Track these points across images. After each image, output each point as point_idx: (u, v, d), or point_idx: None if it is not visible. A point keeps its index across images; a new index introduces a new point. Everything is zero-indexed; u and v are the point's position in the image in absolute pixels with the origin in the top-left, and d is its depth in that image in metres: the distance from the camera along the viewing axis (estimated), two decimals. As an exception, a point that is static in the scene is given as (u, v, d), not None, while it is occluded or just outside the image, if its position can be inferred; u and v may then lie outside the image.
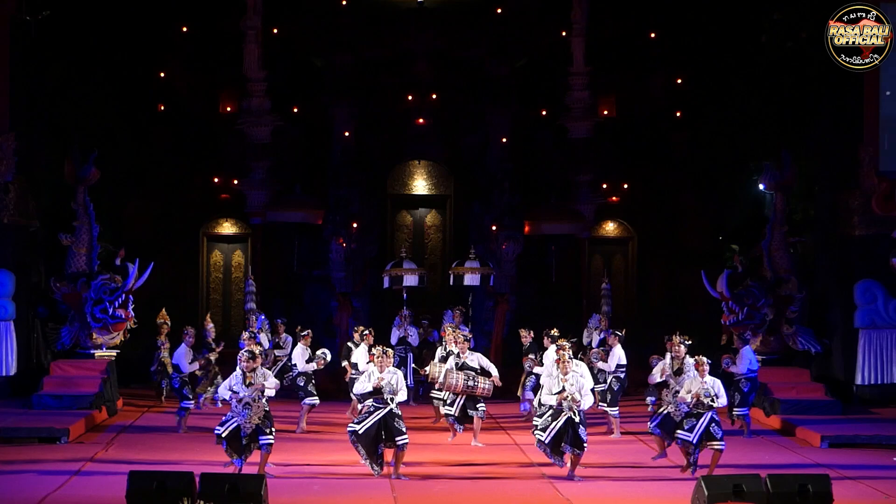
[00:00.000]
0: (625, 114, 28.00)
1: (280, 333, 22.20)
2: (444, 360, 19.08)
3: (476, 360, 18.72)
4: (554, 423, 15.87)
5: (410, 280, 21.24)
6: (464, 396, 18.44)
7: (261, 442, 15.78)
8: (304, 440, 19.39)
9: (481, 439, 18.77)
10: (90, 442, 19.03)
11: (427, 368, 19.44)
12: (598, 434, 19.16)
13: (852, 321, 23.01)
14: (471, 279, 23.83)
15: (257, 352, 16.88)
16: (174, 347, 20.52)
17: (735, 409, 20.10)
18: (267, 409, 16.08)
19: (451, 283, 24.08)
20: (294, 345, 21.57)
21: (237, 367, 16.64)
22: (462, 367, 18.49)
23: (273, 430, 16.01)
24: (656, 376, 17.68)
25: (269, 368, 20.79)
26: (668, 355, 17.85)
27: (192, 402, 20.08)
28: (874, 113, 22.82)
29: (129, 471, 13.53)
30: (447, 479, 16.03)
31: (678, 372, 17.02)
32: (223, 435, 15.83)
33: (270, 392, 16.25)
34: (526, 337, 20.89)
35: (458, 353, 18.71)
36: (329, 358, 20.44)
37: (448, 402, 18.60)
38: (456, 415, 18.42)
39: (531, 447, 17.47)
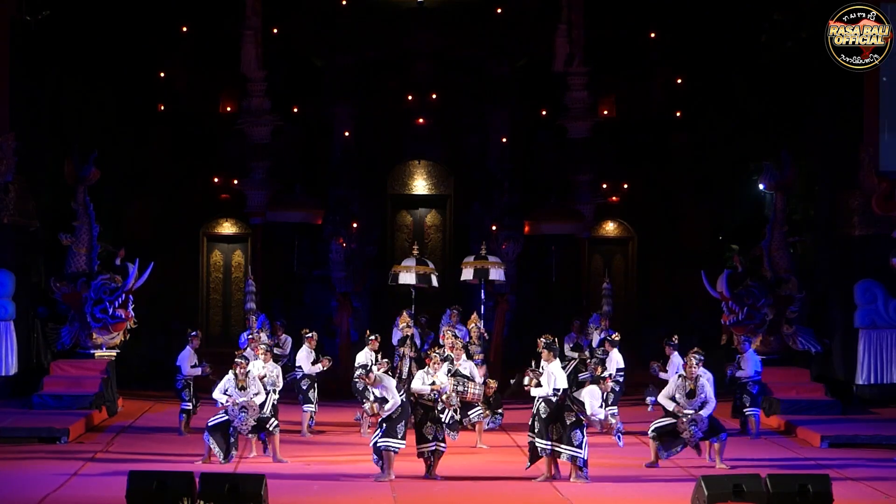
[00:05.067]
0: (625, 114, 27.99)
1: (280, 335, 22.16)
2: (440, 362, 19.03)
3: (468, 368, 18.74)
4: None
5: (436, 280, 21.22)
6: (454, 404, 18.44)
7: (269, 427, 16.96)
8: (304, 440, 19.39)
9: (484, 440, 18.86)
10: (90, 442, 19.04)
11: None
12: (598, 434, 19.15)
13: (852, 321, 23.01)
14: (496, 273, 22.96)
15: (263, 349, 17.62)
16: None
17: (745, 410, 20.09)
18: (264, 414, 16.93)
19: (473, 276, 23.14)
20: (294, 346, 21.55)
21: (230, 371, 17.18)
22: (454, 374, 18.49)
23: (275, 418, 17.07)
24: (666, 396, 17.30)
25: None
26: (674, 358, 17.85)
27: (191, 404, 20.03)
28: (874, 113, 22.81)
29: (129, 471, 13.53)
30: (447, 480, 16.03)
31: (691, 395, 16.91)
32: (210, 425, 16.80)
33: (259, 400, 17.05)
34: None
35: (452, 359, 18.68)
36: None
37: (438, 409, 18.49)
38: (447, 422, 18.37)
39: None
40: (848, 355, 23.16)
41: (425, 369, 17.08)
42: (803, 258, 24.67)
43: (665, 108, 27.66)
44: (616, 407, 19.98)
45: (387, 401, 15.85)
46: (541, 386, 16.35)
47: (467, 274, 21.05)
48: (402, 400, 16.15)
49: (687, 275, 25.97)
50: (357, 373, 19.60)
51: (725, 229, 27.72)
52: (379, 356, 19.85)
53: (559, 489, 15.36)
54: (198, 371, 20.13)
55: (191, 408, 20.03)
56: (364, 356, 19.77)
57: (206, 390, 19.18)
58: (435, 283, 21.55)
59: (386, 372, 18.90)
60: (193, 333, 20.40)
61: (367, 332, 20.29)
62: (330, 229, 26.65)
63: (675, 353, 19.92)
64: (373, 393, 16.14)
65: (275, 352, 21.08)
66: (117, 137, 26.02)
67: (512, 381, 19.80)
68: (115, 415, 21.89)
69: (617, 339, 20.49)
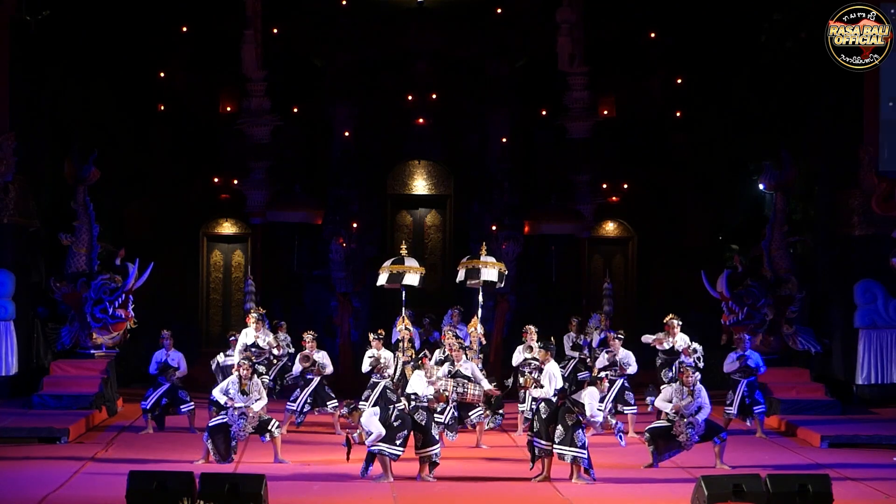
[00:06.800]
0: (625, 114, 27.97)
1: (280, 334, 22.15)
2: (441, 363, 19.06)
3: (470, 369, 18.70)
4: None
5: (411, 279, 20.70)
6: (455, 404, 18.42)
7: (270, 429, 16.96)
8: (303, 441, 19.39)
9: (484, 440, 18.87)
10: (90, 442, 19.05)
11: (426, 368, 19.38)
12: (598, 434, 19.15)
13: (852, 321, 23.01)
14: (487, 274, 22.22)
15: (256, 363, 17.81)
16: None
17: (756, 408, 20.14)
18: (264, 416, 17.10)
19: (466, 277, 21.50)
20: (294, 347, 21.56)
21: (233, 373, 17.21)
22: (455, 375, 18.47)
23: (274, 421, 17.11)
24: (664, 399, 17.42)
25: (269, 369, 20.87)
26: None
27: (147, 402, 20.05)
28: (874, 113, 22.81)
29: (129, 471, 13.55)
30: (447, 480, 16.03)
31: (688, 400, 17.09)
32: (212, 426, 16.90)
33: (258, 407, 17.05)
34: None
35: (453, 360, 18.68)
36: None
37: (438, 409, 18.47)
38: (446, 423, 18.36)
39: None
40: (848, 355, 23.16)
41: (422, 371, 17.07)
42: (803, 258, 24.66)
43: (665, 108, 27.64)
44: (635, 406, 20.04)
45: (371, 433, 15.78)
46: (542, 387, 16.36)
47: (461, 275, 20.94)
48: (399, 410, 16.08)
49: (687, 275, 25.95)
50: (342, 411, 18.83)
51: (725, 229, 27.71)
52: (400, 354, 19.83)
53: (559, 489, 15.37)
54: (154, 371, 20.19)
55: (148, 407, 19.99)
56: (372, 354, 19.72)
57: (206, 390, 19.24)
58: (409, 280, 20.49)
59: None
60: (164, 334, 20.44)
61: (380, 331, 20.08)
62: (330, 229, 26.65)
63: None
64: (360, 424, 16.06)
65: (274, 352, 21.14)
66: (117, 137, 26.01)
67: (506, 382, 19.82)
68: (115, 415, 21.89)
69: (622, 336, 20.45)
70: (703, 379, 17.64)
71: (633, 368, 20.01)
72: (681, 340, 20.43)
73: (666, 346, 20.52)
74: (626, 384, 19.99)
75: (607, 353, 20.23)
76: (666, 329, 20.48)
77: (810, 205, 25.21)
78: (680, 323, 20.61)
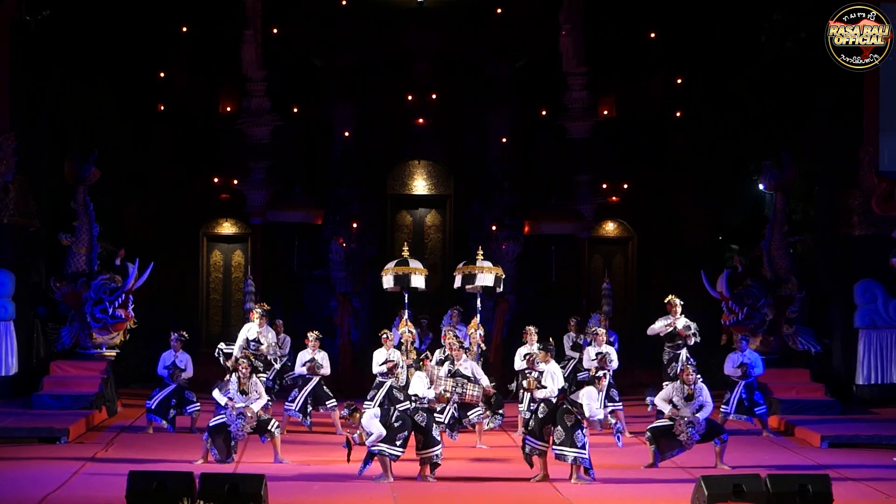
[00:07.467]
0: (625, 114, 27.99)
1: (279, 334, 22.15)
2: (441, 363, 19.05)
3: (470, 368, 18.68)
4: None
5: (417, 281, 20.59)
6: (454, 404, 18.41)
7: (270, 428, 16.95)
8: (303, 441, 19.38)
9: (484, 440, 18.86)
10: (90, 442, 19.04)
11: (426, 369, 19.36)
12: (598, 434, 19.16)
13: (852, 321, 23.01)
14: (483, 279, 22.03)
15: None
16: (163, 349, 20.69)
17: (757, 409, 20.17)
18: (263, 416, 17.09)
19: (462, 283, 21.20)
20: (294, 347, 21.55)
21: (233, 373, 17.23)
22: (454, 375, 18.46)
23: (273, 421, 17.15)
24: (663, 399, 17.43)
25: (267, 368, 20.86)
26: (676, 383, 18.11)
27: (152, 402, 20.04)
28: (874, 113, 22.83)
29: (129, 471, 13.54)
30: (447, 480, 16.03)
31: (689, 398, 17.05)
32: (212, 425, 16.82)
33: (258, 406, 17.03)
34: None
35: (453, 359, 18.67)
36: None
37: (438, 409, 18.44)
38: (446, 422, 18.34)
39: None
40: (848, 355, 23.16)
41: (423, 372, 17.06)
42: (803, 258, 24.66)
43: (665, 108, 27.67)
44: (620, 405, 20.02)
45: (372, 433, 15.77)
46: (545, 388, 16.35)
47: (458, 281, 20.90)
48: (401, 410, 16.09)
49: (687, 275, 25.94)
50: (342, 412, 18.71)
51: (725, 229, 27.72)
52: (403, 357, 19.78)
53: (559, 489, 15.36)
54: (165, 373, 20.15)
55: (153, 407, 19.97)
56: (381, 354, 19.70)
57: (207, 390, 19.23)
58: (415, 283, 20.29)
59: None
60: (174, 336, 20.39)
61: (384, 332, 20.05)
62: (330, 229, 26.67)
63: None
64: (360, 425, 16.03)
65: (277, 354, 21.11)
66: (117, 137, 26.02)
67: (510, 386, 19.80)
68: (115, 415, 21.89)
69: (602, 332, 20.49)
70: (703, 379, 17.63)
71: (614, 364, 19.99)
72: (683, 321, 20.48)
73: (669, 320, 20.52)
74: (611, 381, 19.98)
75: (596, 353, 20.19)
76: (668, 308, 20.49)
77: (810, 205, 25.21)
78: (682, 303, 20.60)
